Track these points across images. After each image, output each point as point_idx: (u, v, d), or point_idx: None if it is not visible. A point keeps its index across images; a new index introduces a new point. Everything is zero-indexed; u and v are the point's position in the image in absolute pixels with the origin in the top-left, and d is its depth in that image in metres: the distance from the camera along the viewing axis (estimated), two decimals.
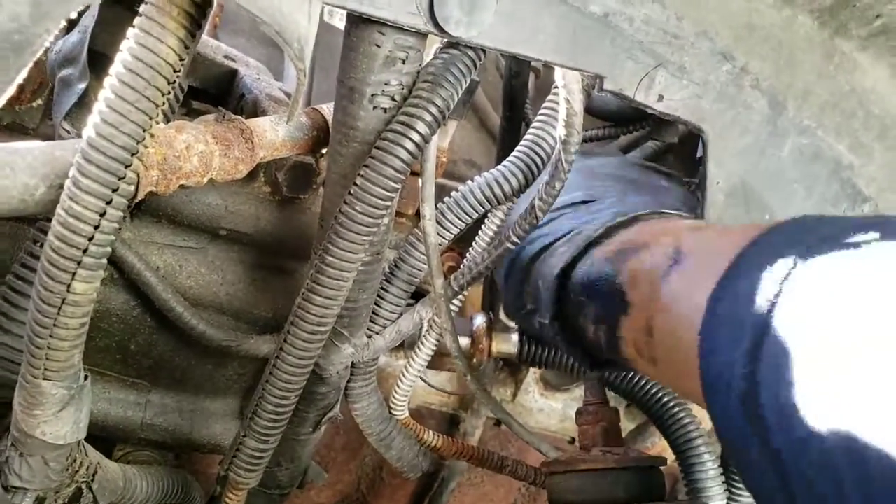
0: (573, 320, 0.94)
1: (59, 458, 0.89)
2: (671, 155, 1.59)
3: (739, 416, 0.64)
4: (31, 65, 0.64)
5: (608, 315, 0.86)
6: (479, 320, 1.24)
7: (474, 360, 1.23)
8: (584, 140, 1.52)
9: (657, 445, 1.78)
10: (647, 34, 0.88)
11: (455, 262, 1.69)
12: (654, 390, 1.14)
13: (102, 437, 1.23)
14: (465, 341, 1.23)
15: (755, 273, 0.66)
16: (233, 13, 1.83)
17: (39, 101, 1.08)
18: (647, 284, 0.82)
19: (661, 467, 1.08)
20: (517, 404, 1.97)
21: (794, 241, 0.67)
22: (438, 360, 1.22)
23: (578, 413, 1.16)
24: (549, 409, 1.98)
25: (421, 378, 1.24)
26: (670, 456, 1.17)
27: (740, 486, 1.16)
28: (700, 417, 1.18)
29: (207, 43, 1.29)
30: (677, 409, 1.14)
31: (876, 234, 0.65)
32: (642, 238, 0.90)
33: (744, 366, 0.63)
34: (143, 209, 1.10)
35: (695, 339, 0.69)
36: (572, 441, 1.98)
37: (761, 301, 0.64)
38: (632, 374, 1.15)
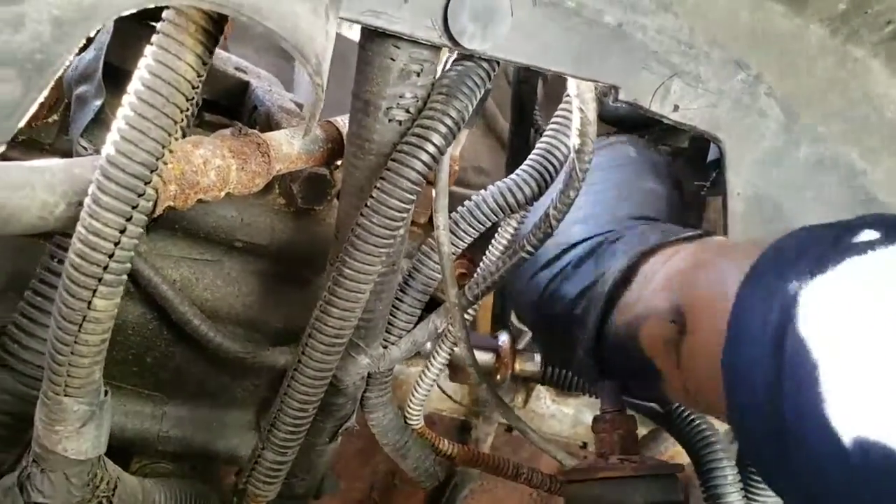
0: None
1: (80, 473, 0.89)
2: (681, 160, 1.59)
3: (765, 432, 0.64)
4: (52, 84, 0.65)
5: (648, 381, 0.92)
6: (504, 338, 1.25)
7: (498, 377, 1.23)
8: None
9: (670, 450, 1.78)
10: (661, 44, 0.88)
11: (466, 269, 1.69)
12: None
13: (119, 449, 1.24)
14: (484, 356, 1.24)
15: (767, 297, 0.67)
16: (242, 24, 1.84)
17: (55, 117, 1.09)
18: (664, 354, 0.86)
19: (682, 472, 1.09)
20: (528, 410, 1.97)
21: (801, 253, 0.68)
22: (458, 374, 1.22)
23: (595, 420, 1.16)
24: (560, 415, 1.98)
25: (436, 385, 1.24)
26: (683, 461, 1.17)
27: (758, 490, 1.15)
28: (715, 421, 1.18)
29: (218, 55, 1.29)
30: (692, 414, 1.14)
31: (876, 234, 0.65)
32: (643, 302, 0.93)
33: (767, 388, 0.64)
34: (160, 222, 1.11)
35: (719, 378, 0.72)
36: (584, 446, 1.98)
37: (777, 318, 0.65)
38: None
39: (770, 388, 0.64)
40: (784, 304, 0.65)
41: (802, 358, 0.62)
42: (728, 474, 1.12)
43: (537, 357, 1.24)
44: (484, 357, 1.20)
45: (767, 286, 0.69)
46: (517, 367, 1.23)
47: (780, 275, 0.68)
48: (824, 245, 0.68)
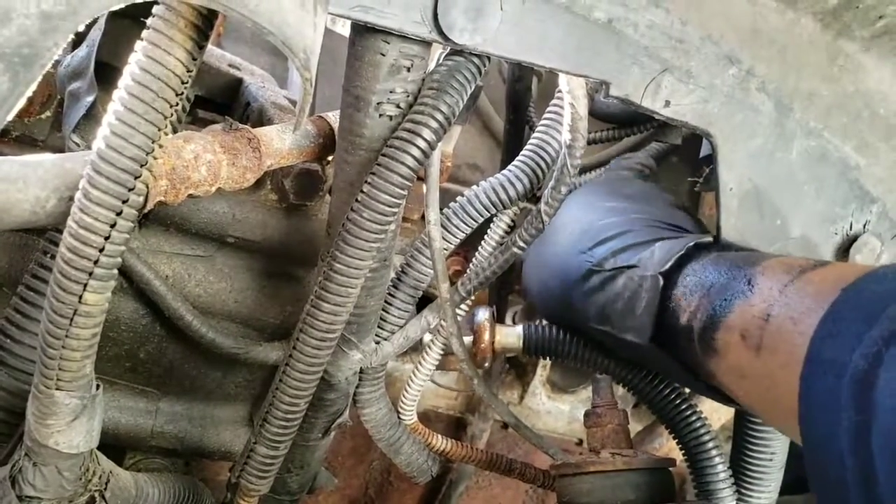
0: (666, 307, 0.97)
1: (72, 467, 0.89)
2: (675, 156, 1.60)
3: (846, 452, 0.65)
4: (40, 78, 0.65)
5: (722, 298, 0.88)
6: (481, 315, 1.22)
7: (478, 358, 1.21)
8: (588, 143, 1.52)
9: (665, 446, 1.79)
10: (651, 39, 0.88)
11: (460, 266, 1.69)
12: (666, 391, 1.14)
13: (113, 445, 1.24)
14: (468, 339, 1.22)
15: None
16: (237, 22, 1.84)
17: (48, 114, 1.09)
18: (779, 276, 0.84)
19: (674, 467, 1.09)
20: (524, 407, 1.97)
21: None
22: (446, 360, 1.21)
23: (587, 415, 1.16)
24: (556, 412, 1.98)
25: (430, 379, 1.24)
26: (677, 457, 1.17)
27: (749, 487, 1.16)
28: (709, 418, 1.18)
29: (212, 52, 1.30)
30: (688, 410, 1.14)
31: None
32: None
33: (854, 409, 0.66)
34: (152, 218, 1.11)
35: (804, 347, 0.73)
36: (580, 443, 1.98)
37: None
38: (645, 371, 1.15)
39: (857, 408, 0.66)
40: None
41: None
42: (720, 471, 1.12)
43: (518, 329, 1.21)
44: (467, 339, 1.19)
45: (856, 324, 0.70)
46: (497, 343, 1.20)
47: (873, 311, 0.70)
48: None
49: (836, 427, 0.68)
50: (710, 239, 1.01)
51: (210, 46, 1.30)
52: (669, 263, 0.97)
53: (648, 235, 1.04)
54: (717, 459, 1.12)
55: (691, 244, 0.99)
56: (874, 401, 0.65)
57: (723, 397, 0.97)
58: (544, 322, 1.23)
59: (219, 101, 1.30)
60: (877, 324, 0.68)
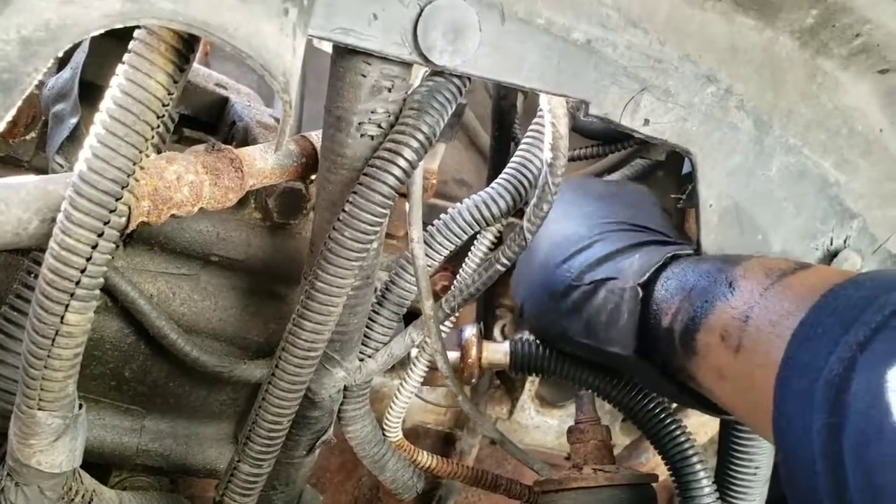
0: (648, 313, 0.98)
1: (54, 486, 0.89)
2: (660, 172, 1.61)
3: (817, 454, 0.66)
4: (19, 103, 0.65)
5: (703, 300, 0.89)
6: (469, 332, 1.23)
7: (465, 375, 1.22)
8: (572, 159, 1.53)
9: (651, 461, 1.79)
10: (630, 59, 0.89)
11: (448, 281, 1.70)
12: (650, 405, 1.15)
13: (98, 463, 1.24)
14: (455, 355, 1.22)
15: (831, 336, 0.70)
16: None
17: (33, 135, 1.09)
18: (760, 278, 0.85)
19: (656, 483, 1.09)
20: (513, 422, 1.98)
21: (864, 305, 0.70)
22: (433, 376, 1.21)
23: (570, 431, 1.17)
24: (545, 426, 1.99)
25: (416, 395, 1.24)
26: (663, 471, 1.18)
27: (734, 501, 1.16)
28: (696, 433, 1.18)
29: (198, 71, 1.30)
30: (672, 425, 1.15)
31: None
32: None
33: (827, 412, 0.67)
34: (136, 237, 1.11)
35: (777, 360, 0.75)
36: (568, 457, 1.98)
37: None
38: (629, 386, 1.15)
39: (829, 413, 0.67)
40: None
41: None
42: (704, 486, 1.13)
43: (505, 346, 1.22)
44: (452, 355, 1.20)
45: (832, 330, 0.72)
46: (484, 359, 1.21)
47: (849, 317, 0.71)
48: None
49: (809, 429, 0.69)
50: (686, 249, 1.02)
51: (196, 65, 1.32)
52: (648, 274, 0.98)
53: (620, 242, 1.05)
54: (702, 474, 1.13)
55: (669, 255, 1.00)
56: (846, 403, 0.66)
57: (704, 405, 0.98)
58: (531, 337, 1.24)
59: (205, 120, 1.30)
60: (853, 328, 0.69)
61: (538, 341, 1.21)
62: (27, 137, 1.09)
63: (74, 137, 1.01)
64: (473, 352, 1.21)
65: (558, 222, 1.16)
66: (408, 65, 0.84)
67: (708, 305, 0.88)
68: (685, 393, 0.98)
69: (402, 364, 1.22)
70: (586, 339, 1.04)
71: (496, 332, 1.86)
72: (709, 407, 0.98)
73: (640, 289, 0.98)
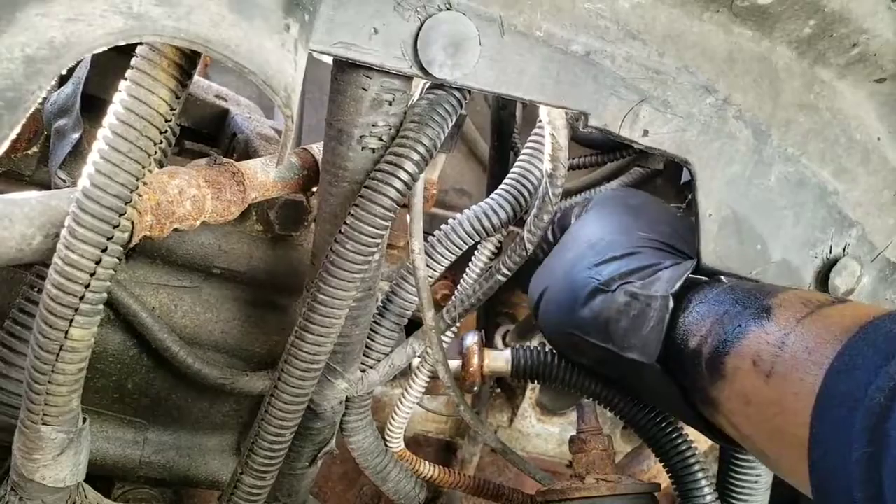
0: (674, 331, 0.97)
1: (58, 501, 0.89)
2: (658, 180, 1.61)
3: (855, 483, 0.67)
4: (24, 120, 0.66)
5: (736, 324, 0.88)
6: (470, 340, 1.23)
7: (467, 383, 1.22)
8: (571, 168, 1.53)
9: (653, 468, 1.79)
10: (629, 71, 0.90)
11: (449, 290, 1.70)
12: (651, 413, 1.15)
13: (102, 475, 1.24)
14: (456, 363, 1.22)
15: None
16: None
17: (35, 149, 1.10)
18: (797, 307, 0.84)
19: (658, 492, 1.10)
20: (514, 430, 1.97)
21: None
22: (434, 385, 1.21)
23: (572, 441, 1.17)
24: (546, 434, 1.99)
25: (418, 404, 1.24)
26: (665, 479, 1.18)
27: None
28: (697, 441, 1.18)
29: (199, 83, 1.31)
30: (673, 433, 1.15)
31: None
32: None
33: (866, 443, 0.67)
34: (138, 251, 1.12)
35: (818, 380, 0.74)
36: (570, 465, 1.98)
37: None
38: (631, 395, 1.15)
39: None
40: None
41: None
42: (706, 493, 1.13)
43: (506, 353, 1.22)
44: (453, 364, 1.20)
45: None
46: (486, 367, 1.21)
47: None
48: None
49: (847, 458, 0.68)
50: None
51: (197, 77, 1.32)
52: (677, 286, 0.97)
53: (654, 259, 1.04)
54: (704, 482, 1.13)
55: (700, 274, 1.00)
56: (887, 433, 0.66)
57: (713, 432, 0.97)
58: (534, 343, 1.23)
59: (206, 132, 1.31)
60: (893, 360, 0.69)
61: (542, 346, 1.21)
62: (29, 152, 1.10)
63: (77, 152, 1.01)
64: (475, 360, 1.21)
65: (592, 225, 1.15)
66: (408, 78, 0.84)
67: (741, 330, 0.87)
68: (696, 412, 0.97)
69: (404, 373, 1.22)
70: (604, 343, 1.02)
71: (498, 338, 1.86)
72: (715, 433, 0.97)
73: (672, 298, 0.96)
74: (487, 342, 1.51)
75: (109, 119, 0.73)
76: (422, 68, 0.81)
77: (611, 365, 1.06)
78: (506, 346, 1.90)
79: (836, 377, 0.73)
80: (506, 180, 1.10)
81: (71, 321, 0.76)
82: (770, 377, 0.81)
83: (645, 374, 0.99)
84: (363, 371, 1.10)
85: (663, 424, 1.15)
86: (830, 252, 1.06)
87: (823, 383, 0.74)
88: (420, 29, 0.79)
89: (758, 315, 0.87)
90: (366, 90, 0.83)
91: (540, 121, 1.02)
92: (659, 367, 0.96)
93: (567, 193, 1.58)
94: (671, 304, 0.96)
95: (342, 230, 0.86)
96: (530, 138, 1.09)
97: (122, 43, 0.65)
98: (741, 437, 0.91)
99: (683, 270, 0.98)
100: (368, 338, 1.09)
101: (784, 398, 0.79)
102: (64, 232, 0.74)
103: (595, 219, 1.15)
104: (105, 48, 0.65)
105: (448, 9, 0.80)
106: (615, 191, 1.33)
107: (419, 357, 1.16)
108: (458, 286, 1.17)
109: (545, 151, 0.99)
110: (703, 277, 1.00)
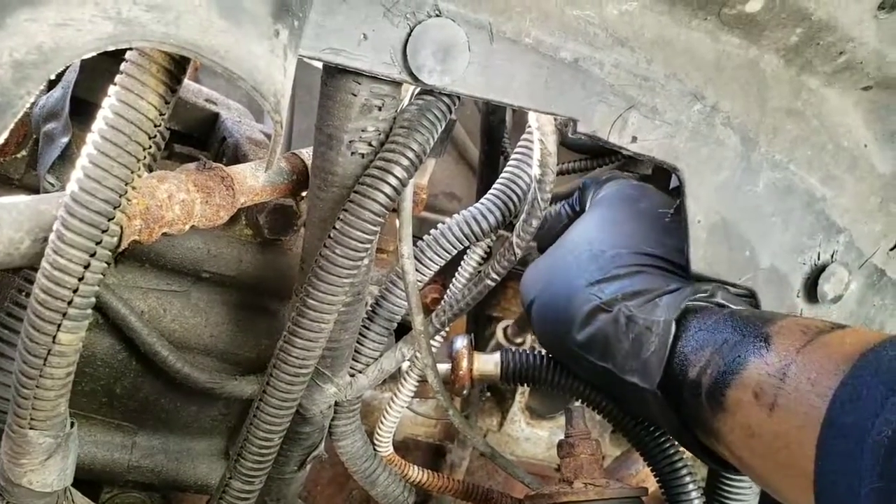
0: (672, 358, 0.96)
1: None
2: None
3: None
4: (12, 125, 0.65)
5: (735, 354, 0.87)
6: (460, 343, 1.23)
7: (456, 387, 1.21)
8: (560, 173, 1.54)
9: (641, 472, 1.80)
10: (617, 77, 0.90)
11: (438, 294, 1.70)
12: (639, 417, 1.15)
13: (90, 480, 1.24)
14: (446, 367, 1.22)
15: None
16: None
17: (24, 153, 1.09)
18: (796, 335, 0.83)
19: (646, 496, 1.10)
20: (504, 434, 1.98)
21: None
22: (423, 389, 1.21)
23: (560, 445, 1.17)
24: (535, 438, 1.99)
25: (408, 408, 1.24)
26: (653, 483, 1.18)
27: None
28: None
29: (189, 87, 1.31)
30: (662, 437, 1.15)
31: None
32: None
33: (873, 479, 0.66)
34: (127, 255, 1.12)
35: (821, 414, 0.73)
36: (559, 469, 1.99)
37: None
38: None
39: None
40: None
41: None
42: (694, 498, 1.13)
43: (495, 357, 1.22)
44: (443, 367, 1.20)
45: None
46: (475, 370, 1.21)
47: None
48: None
49: (856, 493, 0.67)
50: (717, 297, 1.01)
51: (187, 81, 1.32)
52: (678, 313, 0.96)
53: (658, 282, 1.03)
54: (691, 486, 1.13)
55: (702, 296, 0.99)
56: None
57: (711, 458, 0.97)
58: (524, 347, 1.24)
59: (195, 136, 1.31)
60: None
61: (532, 349, 1.21)
62: (18, 156, 1.10)
63: (66, 157, 1.01)
64: (464, 363, 1.21)
65: (596, 229, 1.14)
66: (398, 84, 0.84)
67: (741, 360, 0.86)
68: (695, 439, 0.96)
69: (394, 377, 1.22)
70: (603, 363, 1.02)
71: (499, 332, 1.87)
72: (714, 459, 0.96)
73: (674, 324, 0.95)
74: (477, 345, 1.52)
75: (99, 123, 0.73)
76: (411, 74, 0.81)
77: (611, 385, 1.06)
78: (507, 340, 1.90)
79: (841, 408, 0.72)
80: (495, 185, 1.11)
81: (59, 326, 0.76)
82: (773, 410, 0.80)
83: (646, 399, 0.98)
84: (352, 375, 1.10)
85: (651, 428, 1.15)
86: (819, 258, 1.06)
87: (827, 415, 0.72)
88: (409, 35, 0.80)
89: (757, 344, 0.86)
90: (355, 95, 0.83)
91: (529, 127, 1.03)
92: (660, 393, 0.95)
93: (556, 198, 1.58)
94: (673, 330, 0.95)
95: (331, 235, 0.86)
96: (519, 143, 1.10)
97: (112, 48, 0.65)
98: (744, 467, 0.91)
99: (683, 297, 0.97)
100: (357, 342, 1.09)
101: (788, 431, 0.78)
102: (52, 236, 0.74)
103: (600, 221, 1.15)
104: (94, 53, 0.65)
105: (437, 15, 0.80)
106: (627, 185, 1.29)
107: (408, 361, 1.16)
108: (448, 291, 1.17)
109: (534, 157, 1.00)
110: (702, 303, 0.99)
